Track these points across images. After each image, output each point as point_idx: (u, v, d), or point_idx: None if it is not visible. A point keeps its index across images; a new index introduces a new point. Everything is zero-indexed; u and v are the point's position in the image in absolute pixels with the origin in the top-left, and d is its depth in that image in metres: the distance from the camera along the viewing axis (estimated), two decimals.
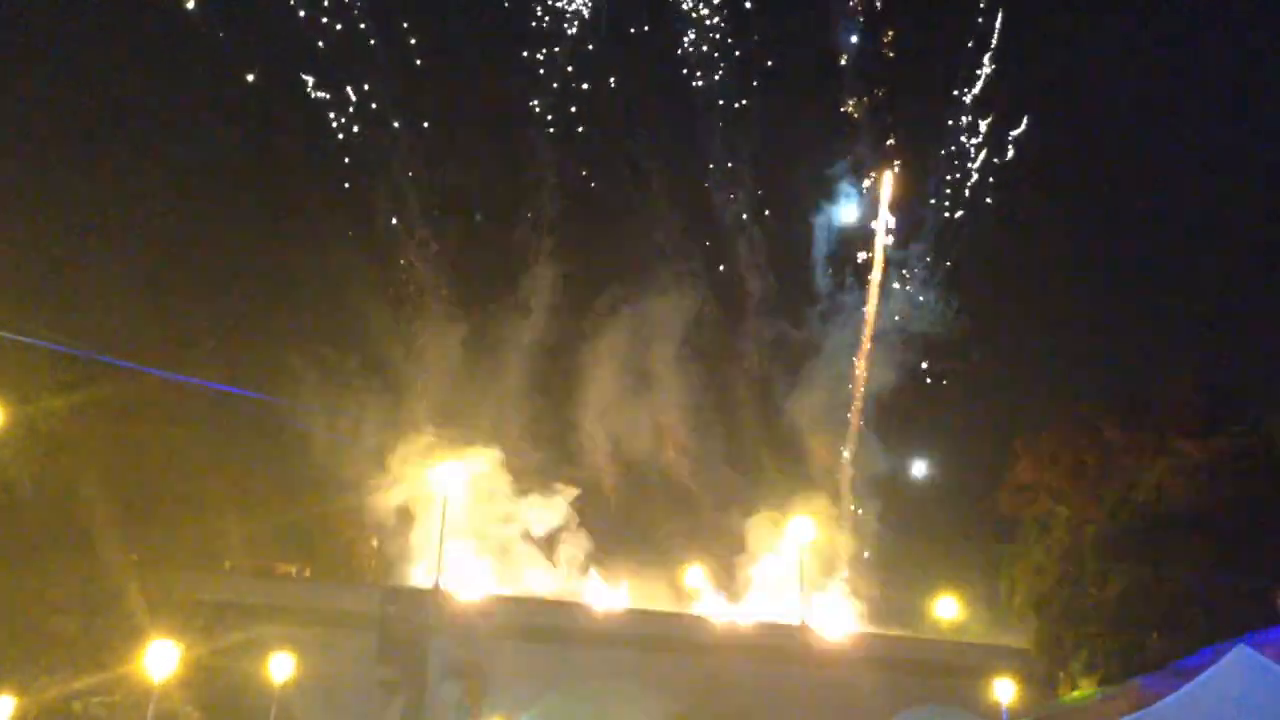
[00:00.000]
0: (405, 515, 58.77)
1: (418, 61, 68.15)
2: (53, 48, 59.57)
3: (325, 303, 65.60)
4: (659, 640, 47.67)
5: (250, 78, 64.55)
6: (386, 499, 59.01)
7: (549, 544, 65.56)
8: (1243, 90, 75.68)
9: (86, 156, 59.55)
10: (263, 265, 65.04)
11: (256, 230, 65.02)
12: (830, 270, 73.57)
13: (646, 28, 71.91)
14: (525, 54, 69.53)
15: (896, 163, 74.02)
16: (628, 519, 68.61)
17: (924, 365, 72.57)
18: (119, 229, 58.93)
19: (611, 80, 70.49)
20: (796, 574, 55.08)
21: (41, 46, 58.89)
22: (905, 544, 65.73)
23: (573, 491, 66.29)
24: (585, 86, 70.32)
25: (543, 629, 46.38)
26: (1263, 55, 73.95)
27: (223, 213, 64.77)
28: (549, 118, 69.99)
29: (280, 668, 36.28)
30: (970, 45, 72.70)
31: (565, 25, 70.49)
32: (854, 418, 72.32)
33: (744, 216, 73.05)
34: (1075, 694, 45.44)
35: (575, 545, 65.68)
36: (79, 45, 60.03)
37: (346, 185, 67.07)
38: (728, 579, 67.69)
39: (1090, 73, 74.55)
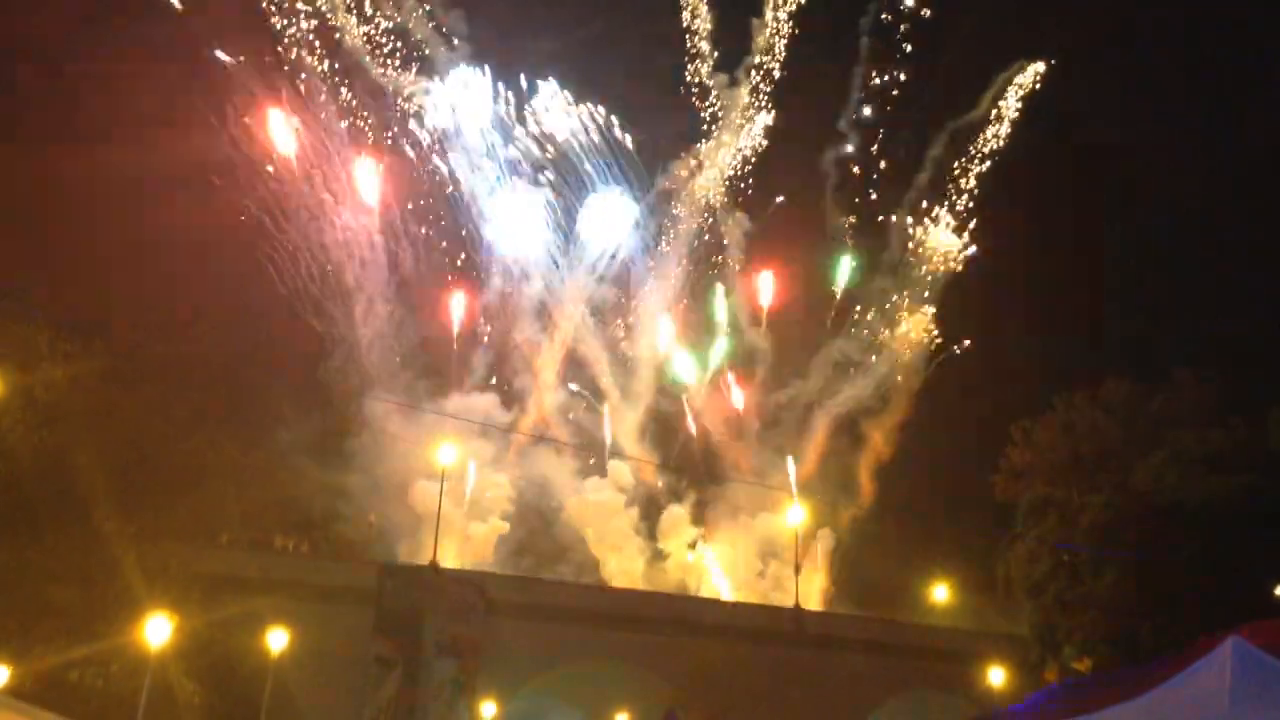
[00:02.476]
0: (404, 491, 59.02)
1: None
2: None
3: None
4: (655, 621, 47.85)
5: None
6: (385, 475, 59.24)
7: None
8: (1245, 77, 75.47)
9: (89, 131, 59.76)
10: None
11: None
12: None
13: None
14: None
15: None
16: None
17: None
18: (121, 200, 59.03)
19: None
20: (791, 557, 55.30)
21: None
22: (900, 528, 65.95)
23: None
24: None
25: (540, 607, 46.53)
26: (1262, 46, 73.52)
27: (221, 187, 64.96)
28: None
29: (276, 641, 36.43)
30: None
31: None
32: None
33: None
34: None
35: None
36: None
37: None
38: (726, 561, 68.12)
39: (1084, 56, 74.35)
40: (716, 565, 66.99)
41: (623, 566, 65.69)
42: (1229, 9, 72.91)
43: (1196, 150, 74.82)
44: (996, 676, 44.54)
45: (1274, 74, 72.28)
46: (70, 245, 55.92)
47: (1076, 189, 75.25)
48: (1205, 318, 69.95)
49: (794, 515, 55.13)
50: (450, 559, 51.30)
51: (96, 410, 34.96)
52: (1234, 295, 71.96)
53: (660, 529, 67.76)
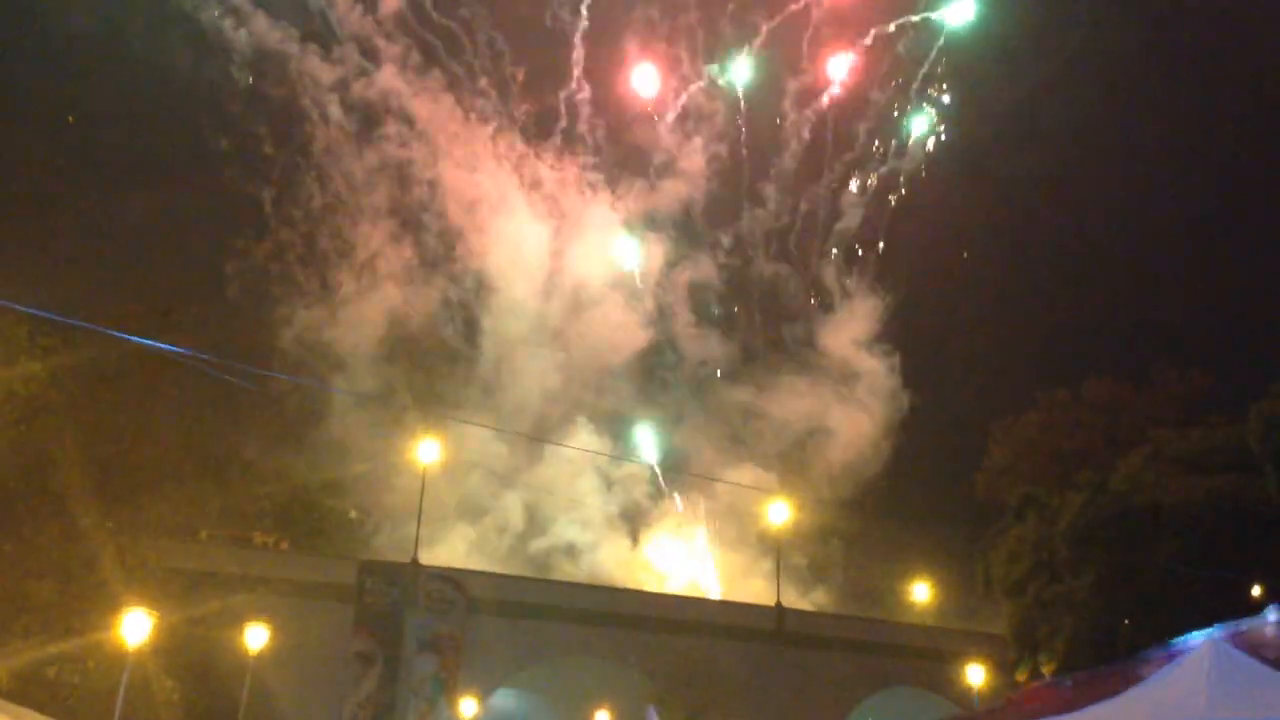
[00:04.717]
0: (385, 488, 58.92)
1: None
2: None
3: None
4: (636, 618, 47.83)
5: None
6: (367, 471, 59.13)
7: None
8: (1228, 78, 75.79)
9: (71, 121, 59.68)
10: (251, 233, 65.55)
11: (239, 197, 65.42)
12: None
13: None
14: None
15: None
16: None
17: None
18: (101, 193, 58.79)
19: None
20: (773, 555, 55.35)
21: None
22: (881, 526, 66.15)
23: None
24: None
25: (520, 604, 46.47)
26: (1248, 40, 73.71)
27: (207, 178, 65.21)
28: None
29: (255, 638, 36.23)
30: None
31: None
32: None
33: None
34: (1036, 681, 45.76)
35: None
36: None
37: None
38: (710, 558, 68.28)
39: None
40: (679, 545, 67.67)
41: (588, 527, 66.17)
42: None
43: (1180, 153, 75.15)
44: (976, 675, 44.65)
45: (1247, 67, 72.38)
46: (51, 234, 55.79)
47: (1066, 184, 75.74)
48: (1187, 316, 70.41)
49: (777, 512, 54.95)
50: (432, 555, 51.16)
51: (76, 405, 34.68)
52: (1215, 293, 72.41)
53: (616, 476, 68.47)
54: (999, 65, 72.91)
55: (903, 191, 76.05)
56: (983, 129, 74.18)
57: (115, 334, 31.43)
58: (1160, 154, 74.59)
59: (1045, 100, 75.81)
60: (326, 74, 68.46)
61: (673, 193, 74.29)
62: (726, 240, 76.14)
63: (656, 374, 73.69)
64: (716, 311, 76.06)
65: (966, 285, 73.41)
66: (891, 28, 74.23)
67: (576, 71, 72.69)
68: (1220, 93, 76.06)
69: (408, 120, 69.78)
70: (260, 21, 66.96)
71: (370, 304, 67.55)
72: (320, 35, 68.76)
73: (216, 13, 65.76)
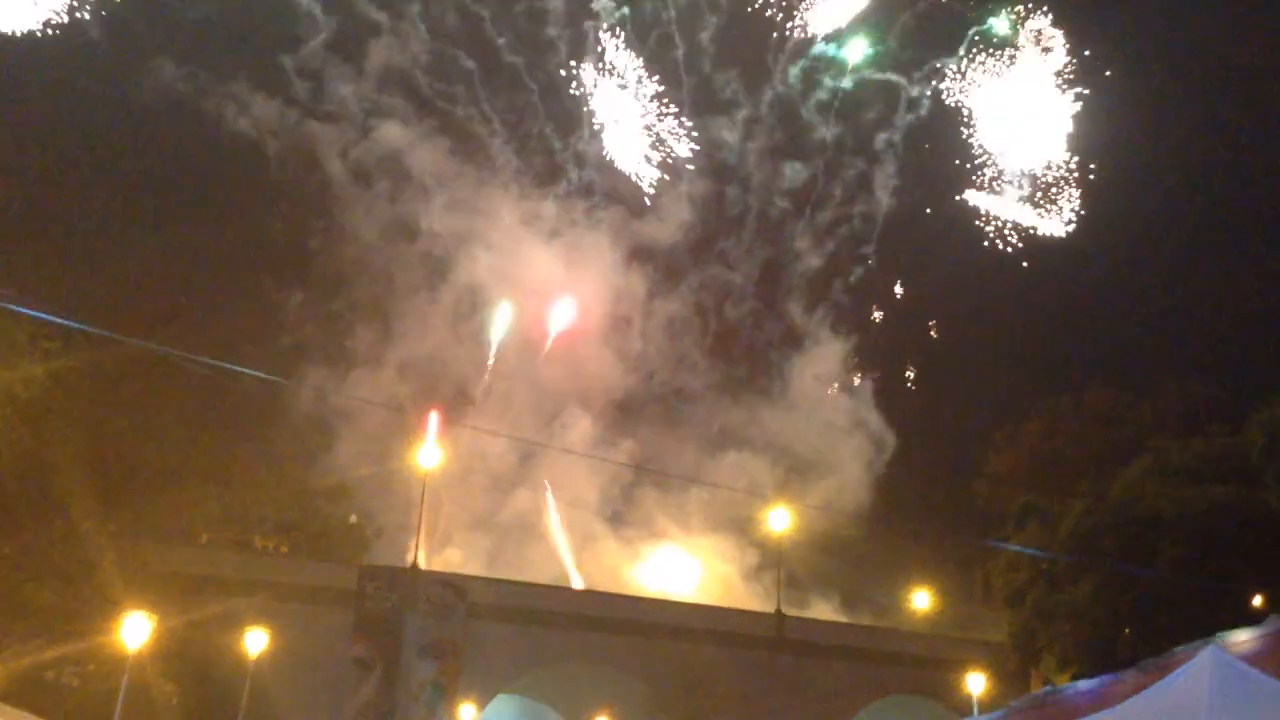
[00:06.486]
0: (385, 493, 58.97)
1: None
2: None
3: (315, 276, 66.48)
4: (636, 625, 47.79)
5: None
6: (369, 477, 59.21)
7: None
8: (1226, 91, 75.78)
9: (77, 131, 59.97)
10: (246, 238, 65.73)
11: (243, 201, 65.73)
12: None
13: None
14: None
15: None
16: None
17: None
18: (105, 197, 58.95)
19: None
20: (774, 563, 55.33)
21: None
22: (881, 534, 66.13)
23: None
24: None
25: (520, 610, 46.46)
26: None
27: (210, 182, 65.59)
28: None
29: (255, 642, 36.22)
30: None
31: None
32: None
33: None
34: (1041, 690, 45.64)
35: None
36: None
37: None
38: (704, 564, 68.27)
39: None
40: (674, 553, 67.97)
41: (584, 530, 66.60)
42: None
43: (1180, 163, 75.14)
44: (976, 684, 44.57)
45: (1244, 74, 72.42)
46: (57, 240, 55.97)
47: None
48: (1188, 326, 70.40)
49: (777, 519, 54.91)
50: (432, 560, 51.24)
51: (77, 408, 34.70)
52: (1216, 304, 72.35)
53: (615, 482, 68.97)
54: None
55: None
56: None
57: (117, 337, 31.44)
58: (1160, 162, 74.61)
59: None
60: (332, 138, 70.11)
61: (660, 232, 75.76)
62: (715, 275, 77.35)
63: (651, 389, 74.50)
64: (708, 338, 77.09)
65: (967, 296, 73.45)
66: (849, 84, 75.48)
67: (590, 121, 74.66)
68: (1218, 98, 76.14)
69: (410, 175, 71.49)
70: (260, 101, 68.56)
71: (385, 359, 68.67)
72: (322, 104, 70.33)
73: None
